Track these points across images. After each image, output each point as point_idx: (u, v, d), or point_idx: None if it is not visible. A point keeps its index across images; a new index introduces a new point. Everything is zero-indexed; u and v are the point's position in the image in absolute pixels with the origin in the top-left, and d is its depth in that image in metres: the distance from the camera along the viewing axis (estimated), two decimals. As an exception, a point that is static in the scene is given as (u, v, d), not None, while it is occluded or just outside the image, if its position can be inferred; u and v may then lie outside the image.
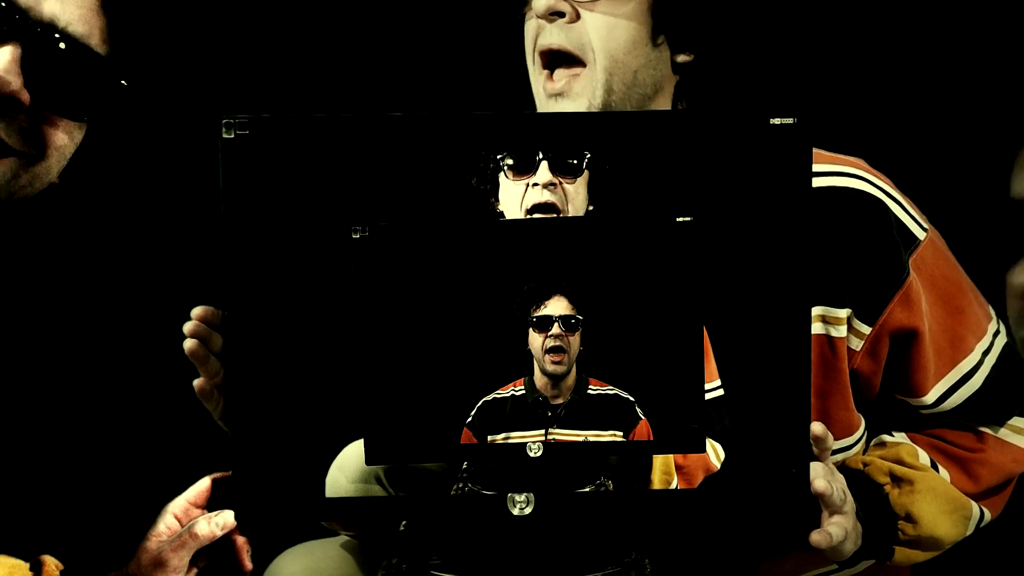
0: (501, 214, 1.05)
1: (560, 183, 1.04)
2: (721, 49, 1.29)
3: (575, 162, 1.04)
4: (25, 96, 0.97)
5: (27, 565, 1.01)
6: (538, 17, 1.22)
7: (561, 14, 1.21)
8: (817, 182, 1.25)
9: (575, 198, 1.05)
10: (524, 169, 1.04)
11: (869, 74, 1.69)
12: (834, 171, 1.26)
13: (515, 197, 1.04)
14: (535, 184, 1.04)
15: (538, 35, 1.23)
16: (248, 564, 1.09)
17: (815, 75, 1.66)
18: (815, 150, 1.26)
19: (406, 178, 1.03)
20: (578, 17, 1.21)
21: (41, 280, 1.35)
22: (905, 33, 1.68)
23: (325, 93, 1.69)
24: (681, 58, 1.26)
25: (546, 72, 1.23)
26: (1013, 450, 1.29)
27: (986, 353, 1.27)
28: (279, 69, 1.67)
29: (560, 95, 1.22)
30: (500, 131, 1.03)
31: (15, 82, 0.96)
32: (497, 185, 1.04)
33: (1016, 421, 1.29)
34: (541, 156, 1.03)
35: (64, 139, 1.03)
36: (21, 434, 1.22)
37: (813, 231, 1.03)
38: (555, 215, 1.04)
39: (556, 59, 1.23)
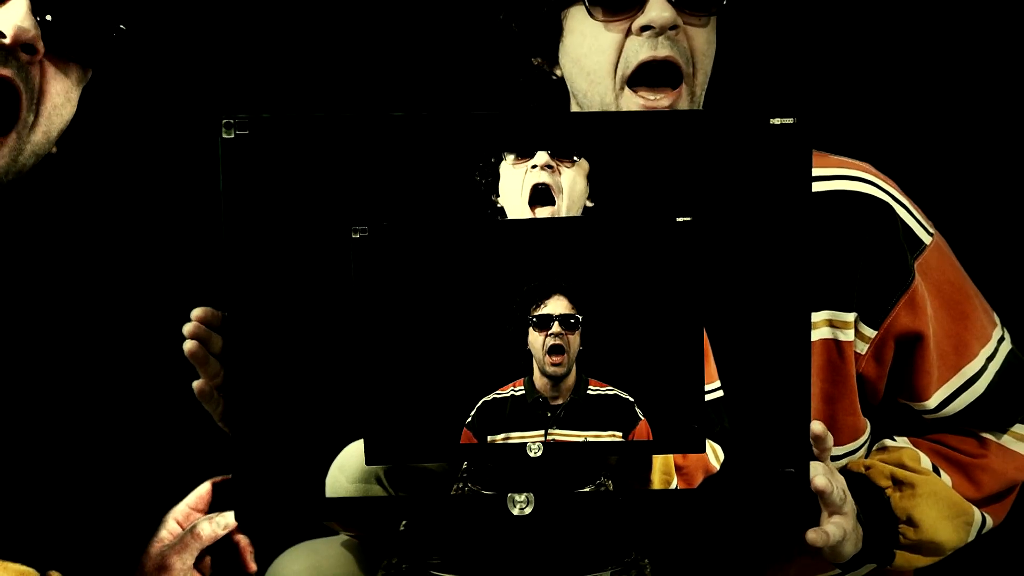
0: (502, 209, 1.05)
1: (557, 166, 1.04)
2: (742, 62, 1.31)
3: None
4: (41, 45, 0.98)
5: (37, 574, 1.01)
6: (650, 30, 1.20)
7: (675, 28, 1.21)
8: (824, 185, 1.25)
9: (573, 186, 1.05)
10: (524, 154, 1.04)
11: (870, 74, 1.69)
12: (841, 175, 1.26)
13: (515, 182, 1.04)
14: (533, 166, 1.04)
15: (632, 47, 1.21)
16: (252, 566, 1.10)
17: (815, 75, 1.67)
18: (822, 153, 1.27)
19: (406, 178, 1.03)
20: (681, 32, 1.22)
21: (37, 282, 1.35)
22: (906, 33, 1.68)
23: (325, 93, 1.69)
24: None
25: (630, 90, 1.22)
26: (1016, 457, 1.29)
27: (990, 359, 1.27)
28: (279, 69, 1.68)
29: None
30: (500, 131, 1.03)
31: (32, 30, 0.97)
32: (498, 178, 1.05)
33: (1019, 428, 1.29)
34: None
35: (61, 98, 1.04)
36: (16, 439, 1.22)
37: (813, 232, 1.03)
38: (553, 201, 1.05)
39: (654, 70, 1.22)
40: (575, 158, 1.05)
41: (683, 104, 1.22)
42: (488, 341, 1.02)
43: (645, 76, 1.22)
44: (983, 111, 1.68)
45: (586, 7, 1.22)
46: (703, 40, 1.23)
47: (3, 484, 1.18)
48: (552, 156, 1.04)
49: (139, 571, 1.05)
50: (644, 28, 1.20)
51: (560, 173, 1.05)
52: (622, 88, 1.22)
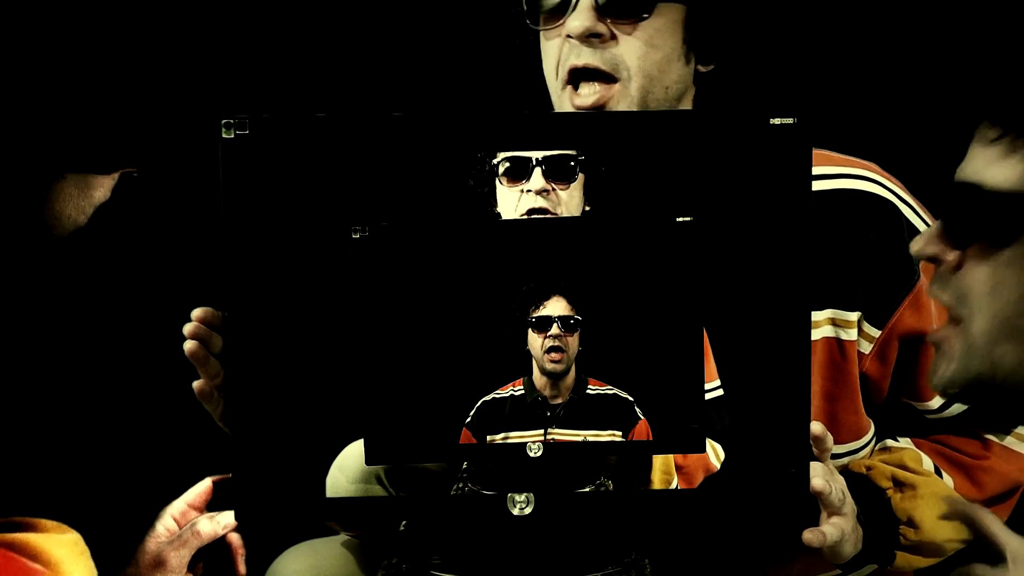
0: (499, 215, 1.05)
1: (553, 189, 1.04)
2: (739, 57, 1.29)
3: (570, 165, 1.04)
4: None
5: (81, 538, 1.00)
6: (573, 38, 1.20)
7: (598, 35, 1.20)
8: (829, 184, 1.25)
9: (568, 203, 1.05)
10: (518, 176, 1.04)
11: (870, 74, 1.69)
12: (846, 173, 1.26)
13: (510, 203, 1.04)
14: (528, 191, 1.04)
15: (564, 54, 1.22)
16: (242, 568, 1.09)
17: (815, 75, 1.66)
18: (827, 152, 1.27)
19: (406, 178, 1.03)
20: (613, 38, 1.21)
21: (38, 281, 1.35)
22: (906, 32, 1.68)
23: (325, 93, 1.69)
24: (703, 68, 1.27)
25: (570, 87, 1.22)
26: (1019, 459, 1.29)
27: None
28: (279, 69, 1.67)
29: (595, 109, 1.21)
30: (499, 131, 1.03)
31: None
32: (494, 189, 1.05)
33: (1022, 430, 1.29)
34: (535, 163, 1.03)
35: None
36: (18, 435, 1.22)
37: (813, 232, 1.03)
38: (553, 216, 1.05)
39: (586, 75, 1.22)
40: (571, 179, 1.04)
41: (621, 103, 1.22)
42: (487, 341, 1.02)
43: (580, 77, 1.22)
44: (983, 107, 1.68)
45: (525, 16, 1.24)
46: (636, 46, 1.21)
47: (3, 482, 1.18)
48: (548, 179, 1.04)
49: (134, 564, 1.05)
50: (568, 36, 1.21)
51: (558, 196, 1.04)
52: (563, 88, 1.24)
